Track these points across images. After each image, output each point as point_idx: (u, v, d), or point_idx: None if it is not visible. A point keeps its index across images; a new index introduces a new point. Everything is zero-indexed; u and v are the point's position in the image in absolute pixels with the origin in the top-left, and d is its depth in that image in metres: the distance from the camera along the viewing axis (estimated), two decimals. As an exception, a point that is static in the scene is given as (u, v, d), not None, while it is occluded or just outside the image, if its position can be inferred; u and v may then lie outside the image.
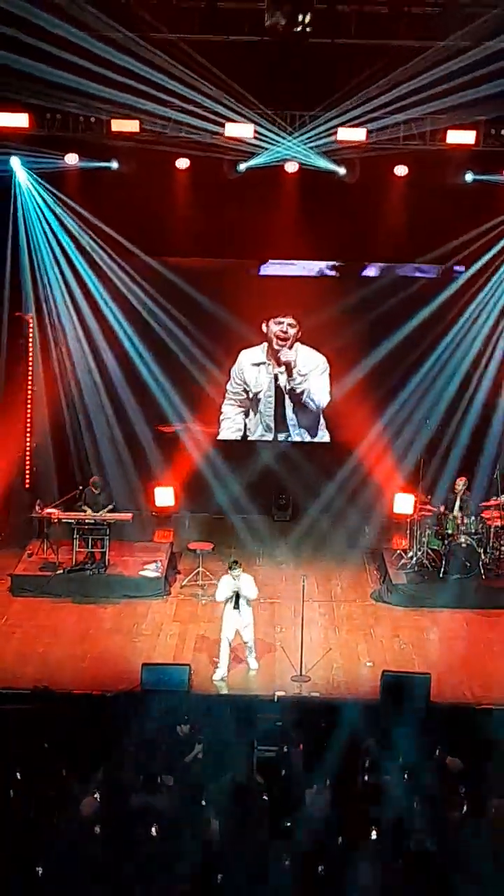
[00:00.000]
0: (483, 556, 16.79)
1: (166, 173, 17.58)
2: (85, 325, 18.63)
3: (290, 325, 18.87)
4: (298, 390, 19.09)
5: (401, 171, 17.55)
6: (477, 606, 16.36)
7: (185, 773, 10.83)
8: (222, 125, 16.39)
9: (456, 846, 9.33)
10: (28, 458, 18.99)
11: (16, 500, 18.67)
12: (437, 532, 17.11)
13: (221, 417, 19.26)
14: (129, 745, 11.23)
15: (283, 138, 16.77)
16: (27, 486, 18.91)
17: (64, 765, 10.75)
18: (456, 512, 16.95)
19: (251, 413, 19.28)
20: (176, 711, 12.23)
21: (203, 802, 10.10)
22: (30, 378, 18.91)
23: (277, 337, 18.91)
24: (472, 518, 16.92)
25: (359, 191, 17.54)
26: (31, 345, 18.82)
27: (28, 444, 18.97)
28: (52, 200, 17.99)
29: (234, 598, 14.16)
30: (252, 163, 17.11)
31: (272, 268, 18.86)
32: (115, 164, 17.47)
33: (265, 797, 10.27)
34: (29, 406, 18.92)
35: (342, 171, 17.29)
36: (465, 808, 10.12)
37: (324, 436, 19.36)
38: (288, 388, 19.08)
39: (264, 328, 18.92)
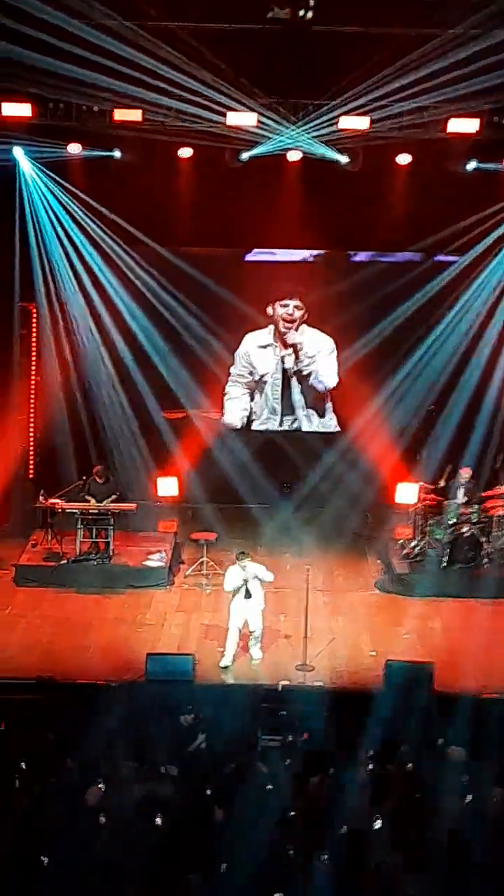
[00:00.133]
0: (486, 546, 16.80)
1: (169, 162, 17.57)
2: (89, 314, 18.59)
3: (296, 307, 18.88)
4: (306, 372, 19.09)
5: (403, 159, 17.52)
6: (480, 595, 16.34)
7: (190, 763, 10.88)
8: (224, 114, 16.35)
9: (461, 834, 9.36)
10: (32, 448, 19.01)
11: (20, 490, 18.68)
12: (439, 521, 17.12)
13: (226, 398, 19.24)
14: (134, 735, 11.27)
15: (286, 127, 16.75)
16: (31, 476, 18.93)
17: (68, 755, 10.79)
18: (459, 501, 16.96)
19: (256, 396, 19.27)
20: (180, 701, 12.28)
21: (207, 792, 10.13)
22: (33, 368, 18.93)
23: (284, 319, 18.92)
24: (476, 507, 16.93)
25: (361, 179, 17.50)
26: (34, 335, 18.83)
27: (32, 434, 18.98)
28: (56, 189, 17.98)
29: (243, 588, 14.20)
30: (255, 152, 17.08)
31: (257, 255, 18.86)
32: (117, 154, 17.46)
33: (269, 787, 10.31)
34: (33, 396, 18.93)
35: (345, 159, 17.26)
36: (467, 797, 10.16)
37: (331, 423, 19.33)
38: (295, 369, 19.09)
39: (270, 311, 18.92)
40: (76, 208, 18.00)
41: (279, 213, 17.74)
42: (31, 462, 18.99)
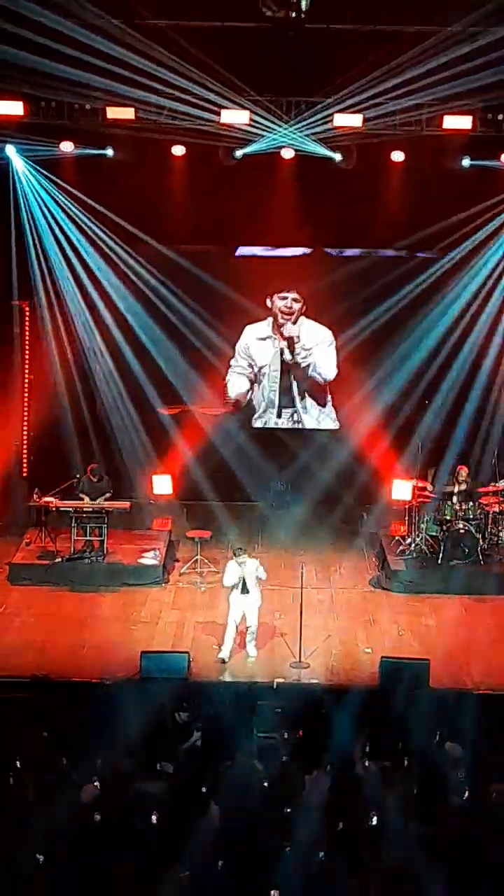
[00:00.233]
0: (482, 542, 16.80)
1: (162, 160, 17.55)
2: (82, 312, 18.59)
3: (294, 299, 18.89)
4: (303, 364, 19.09)
5: (397, 156, 17.51)
6: (475, 592, 16.37)
7: (185, 761, 10.85)
8: (218, 112, 16.34)
9: (457, 832, 9.35)
10: (26, 446, 18.98)
11: (14, 488, 18.68)
12: (435, 518, 17.12)
13: (227, 382, 19.19)
14: (129, 733, 11.25)
15: (280, 125, 16.73)
16: (25, 474, 18.91)
17: (63, 753, 10.77)
18: (455, 498, 16.96)
19: (256, 388, 19.24)
20: (175, 699, 12.25)
21: (203, 789, 10.11)
22: (27, 366, 18.89)
23: (282, 312, 18.94)
24: (471, 504, 16.94)
25: (355, 177, 17.50)
26: (27, 333, 18.80)
27: (26, 432, 18.96)
28: (49, 187, 17.95)
29: (241, 583, 14.21)
30: (248, 149, 17.07)
31: (248, 250, 18.88)
32: (110, 152, 17.45)
33: (265, 784, 10.29)
34: (26, 394, 18.90)
35: (338, 157, 17.25)
36: (465, 793, 10.15)
37: (331, 415, 19.30)
38: (292, 362, 19.09)
39: (269, 303, 18.93)
40: (69, 206, 17.98)
41: (273, 210, 17.75)
42: (25, 460, 18.96)
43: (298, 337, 19.00)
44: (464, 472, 17.25)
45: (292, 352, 19.05)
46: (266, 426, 19.35)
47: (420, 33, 15.55)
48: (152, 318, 18.59)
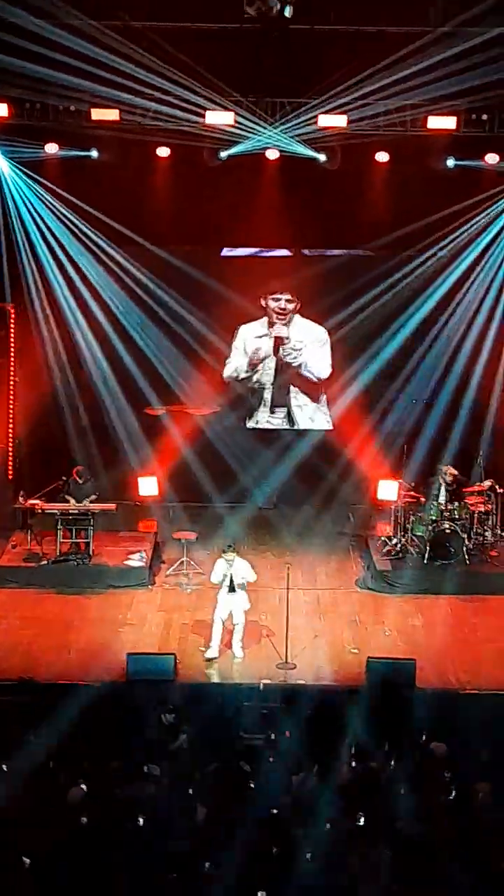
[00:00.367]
0: (467, 542, 16.83)
1: (147, 161, 17.52)
2: (67, 313, 18.57)
3: (287, 300, 18.92)
4: (295, 363, 19.11)
5: (382, 157, 17.52)
6: (461, 592, 16.37)
7: (172, 762, 10.85)
8: (202, 114, 16.33)
9: (443, 831, 9.37)
10: (11, 448, 18.93)
11: (-1, 490, 18.65)
12: (421, 518, 17.14)
13: (227, 362, 19.13)
14: (115, 735, 11.23)
15: (264, 127, 16.74)
16: (10, 476, 18.85)
17: (50, 756, 10.74)
18: (441, 499, 16.99)
19: (253, 376, 19.23)
20: (161, 701, 12.25)
21: (189, 791, 10.11)
22: (12, 368, 18.85)
23: (276, 313, 18.97)
24: (456, 504, 16.97)
25: (340, 178, 17.51)
26: (12, 335, 18.76)
27: (11, 434, 18.90)
28: (34, 188, 17.91)
29: (229, 581, 14.23)
30: (233, 150, 17.07)
31: (232, 251, 18.90)
32: (95, 153, 17.41)
33: (252, 785, 10.30)
34: (11, 396, 18.85)
35: (323, 157, 17.27)
36: (451, 792, 10.17)
37: (322, 419, 19.31)
38: (286, 361, 19.12)
39: (263, 303, 18.95)
40: (55, 207, 17.95)
41: (258, 211, 17.73)
42: (11, 463, 18.90)
43: (287, 338, 19.02)
44: (447, 470, 17.27)
45: (285, 351, 19.06)
46: (259, 426, 19.35)
47: (404, 34, 15.55)
48: (139, 319, 18.58)
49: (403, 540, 17.22)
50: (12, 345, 18.79)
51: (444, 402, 18.53)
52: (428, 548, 16.79)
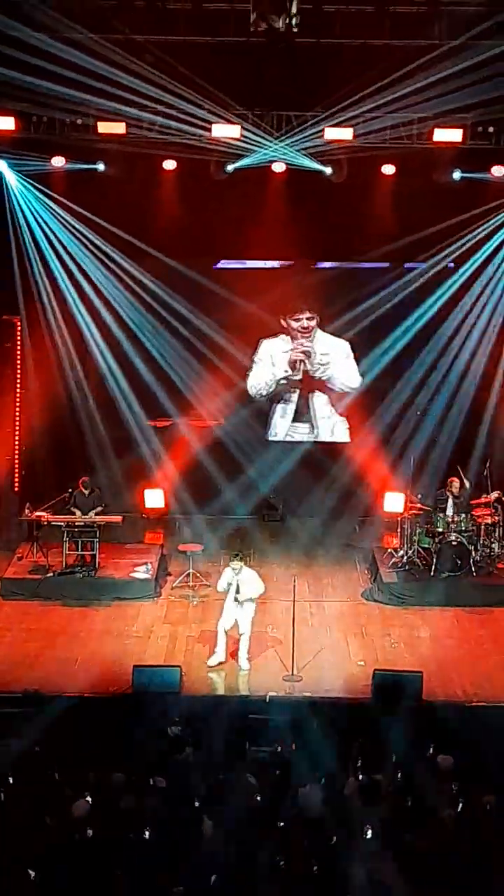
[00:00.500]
0: (474, 554, 16.80)
1: (153, 175, 17.60)
2: (72, 326, 18.62)
3: (308, 318, 18.98)
4: (323, 377, 19.13)
5: (388, 170, 17.57)
6: (468, 604, 16.36)
7: (177, 775, 10.81)
8: (208, 127, 16.39)
9: (449, 844, 9.33)
10: (17, 461, 18.96)
11: (5, 503, 18.66)
12: (427, 530, 17.12)
13: (248, 374, 19.19)
14: (121, 747, 11.21)
15: (270, 140, 16.79)
16: (17, 489, 18.89)
17: (55, 768, 10.72)
18: (448, 511, 16.97)
19: (276, 405, 19.30)
20: (167, 713, 12.22)
21: (195, 803, 10.08)
22: (19, 381, 18.89)
23: (299, 331, 19.01)
24: (463, 515, 16.94)
25: (347, 190, 17.56)
26: (18, 347, 18.80)
27: (17, 447, 18.94)
28: (42, 201, 17.98)
29: (234, 590, 14.22)
30: (240, 164, 17.12)
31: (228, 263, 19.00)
32: (101, 167, 17.48)
33: (258, 797, 10.26)
34: (18, 409, 18.90)
35: (329, 170, 17.31)
36: (458, 805, 10.13)
37: (342, 431, 19.33)
38: (310, 375, 19.14)
39: (284, 323, 18.97)
40: (62, 220, 18.02)
41: (265, 224, 17.78)
42: (17, 475, 18.94)
43: (313, 352, 19.02)
44: (456, 483, 17.26)
45: (313, 365, 19.05)
46: (280, 438, 19.34)
47: (411, 48, 15.59)
48: (145, 331, 18.63)
49: (410, 552, 17.19)
50: (18, 358, 18.83)
51: (455, 415, 18.54)
52: (435, 560, 16.76)
